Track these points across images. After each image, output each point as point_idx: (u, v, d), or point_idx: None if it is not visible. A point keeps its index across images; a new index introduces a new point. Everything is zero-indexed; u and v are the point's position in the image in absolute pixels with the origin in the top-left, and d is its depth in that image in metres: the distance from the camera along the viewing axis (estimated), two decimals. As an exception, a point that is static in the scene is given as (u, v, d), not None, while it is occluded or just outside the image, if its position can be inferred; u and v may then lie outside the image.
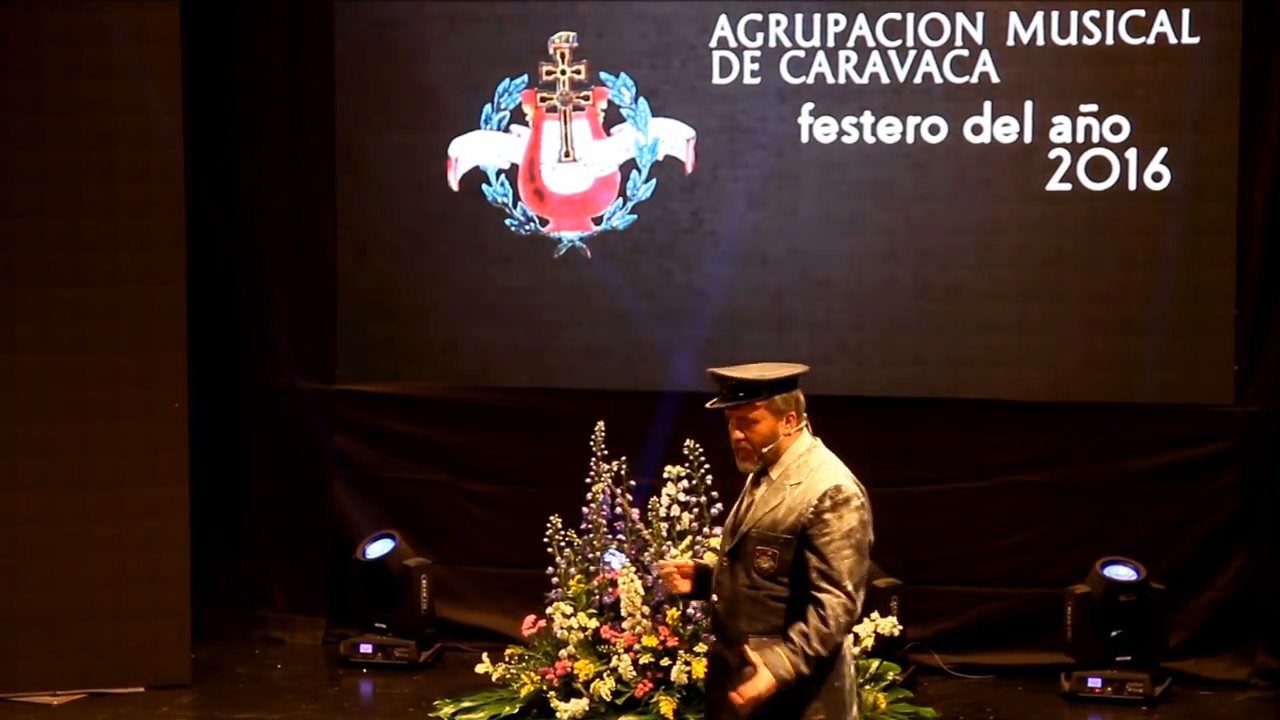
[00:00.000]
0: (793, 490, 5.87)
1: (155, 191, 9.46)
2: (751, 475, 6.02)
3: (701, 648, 8.49)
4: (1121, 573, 9.38)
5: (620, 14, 10.10)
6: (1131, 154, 9.60)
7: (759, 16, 9.91)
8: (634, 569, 8.77)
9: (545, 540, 9.06)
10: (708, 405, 6.06)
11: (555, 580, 9.08)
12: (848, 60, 9.84)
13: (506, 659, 9.11)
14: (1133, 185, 9.61)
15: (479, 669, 9.09)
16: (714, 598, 6.02)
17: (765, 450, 5.94)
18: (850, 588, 5.76)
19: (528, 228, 10.28)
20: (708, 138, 10.04)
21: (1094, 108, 9.63)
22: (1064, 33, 9.62)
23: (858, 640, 8.77)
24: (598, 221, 10.20)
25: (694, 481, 8.78)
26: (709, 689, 6.19)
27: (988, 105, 9.72)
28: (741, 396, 5.95)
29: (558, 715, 8.76)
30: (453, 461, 10.39)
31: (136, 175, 9.43)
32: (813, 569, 5.79)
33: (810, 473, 5.89)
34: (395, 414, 10.44)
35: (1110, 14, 9.57)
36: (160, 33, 9.43)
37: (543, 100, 10.20)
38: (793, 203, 9.96)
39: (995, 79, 9.70)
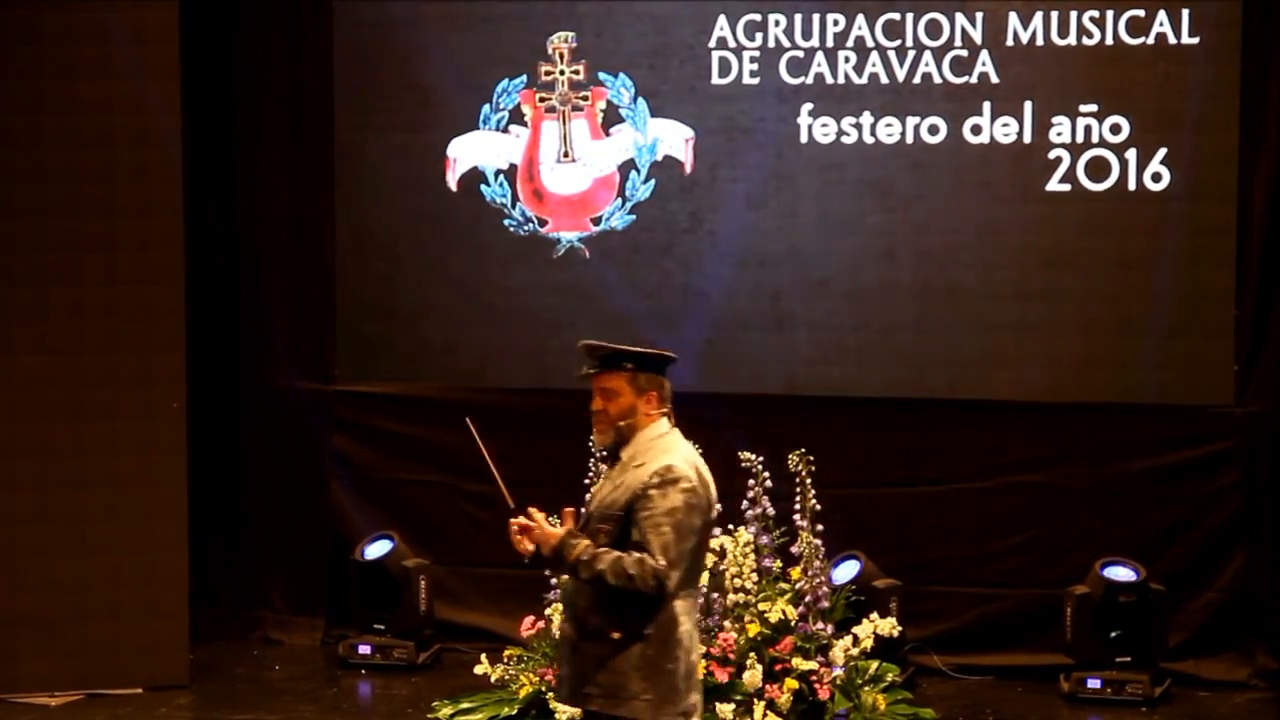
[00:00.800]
0: (635, 470, 6.00)
1: (154, 192, 9.46)
2: (608, 457, 6.13)
3: (702, 648, 8.46)
4: (1121, 573, 9.37)
5: (619, 14, 10.09)
6: (1131, 154, 9.59)
7: (758, 17, 9.90)
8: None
9: (544, 541, 9.04)
10: (575, 375, 6.17)
11: (554, 581, 9.07)
12: (847, 60, 9.83)
13: (505, 660, 9.10)
14: (1132, 185, 9.60)
15: (478, 670, 9.09)
16: (564, 576, 6.11)
17: (621, 424, 6.07)
18: (663, 561, 5.85)
19: (526, 228, 10.27)
20: (707, 138, 10.03)
21: (1094, 108, 9.62)
22: (1064, 33, 9.61)
23: (856, 641, 8.76)
24: (596, 222, 10.19)
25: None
26: (560, 665, 6.26)
27: (987, 105, 9.71)
28: (605, 364, 6.07)
29: (556, 716, 8.75)
30: (451, 462, 10.36)
31: (136, 175, 9.42)
32: (630, 543, 5.91)
33: (655, 454, 6.01)
34: (394, 414, 10.44)
35: (1110, 14, 9.56)
36: (159, 33, 9.43)
37: (541, 100, 10.20)
38: (792, 203, 9.95)
39: (995, 79, 9.70)
